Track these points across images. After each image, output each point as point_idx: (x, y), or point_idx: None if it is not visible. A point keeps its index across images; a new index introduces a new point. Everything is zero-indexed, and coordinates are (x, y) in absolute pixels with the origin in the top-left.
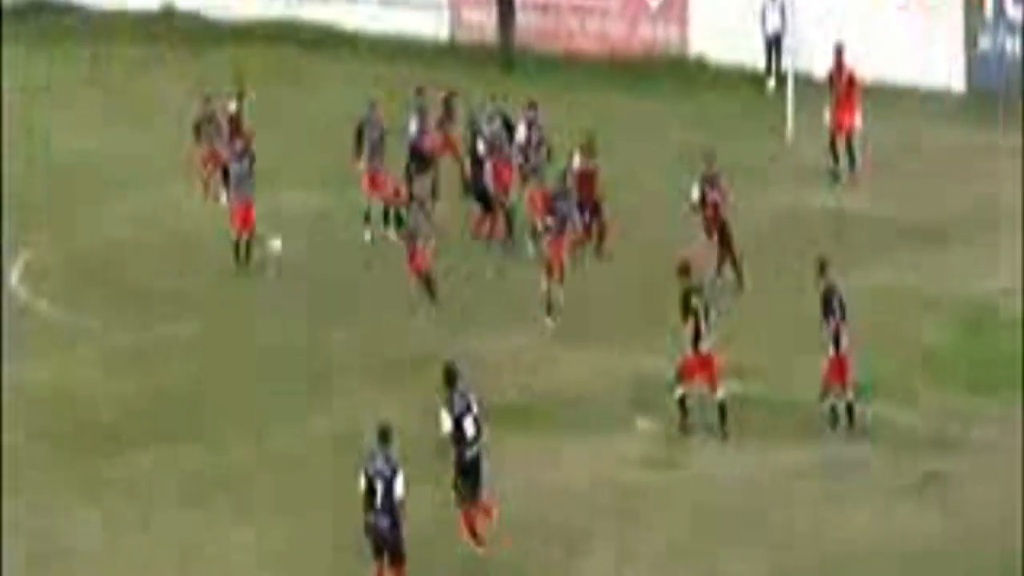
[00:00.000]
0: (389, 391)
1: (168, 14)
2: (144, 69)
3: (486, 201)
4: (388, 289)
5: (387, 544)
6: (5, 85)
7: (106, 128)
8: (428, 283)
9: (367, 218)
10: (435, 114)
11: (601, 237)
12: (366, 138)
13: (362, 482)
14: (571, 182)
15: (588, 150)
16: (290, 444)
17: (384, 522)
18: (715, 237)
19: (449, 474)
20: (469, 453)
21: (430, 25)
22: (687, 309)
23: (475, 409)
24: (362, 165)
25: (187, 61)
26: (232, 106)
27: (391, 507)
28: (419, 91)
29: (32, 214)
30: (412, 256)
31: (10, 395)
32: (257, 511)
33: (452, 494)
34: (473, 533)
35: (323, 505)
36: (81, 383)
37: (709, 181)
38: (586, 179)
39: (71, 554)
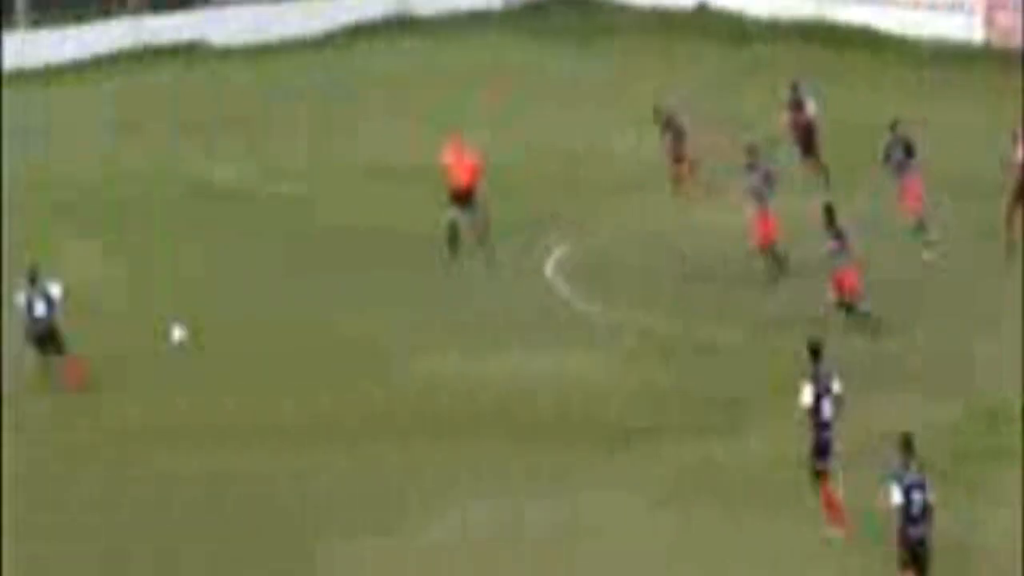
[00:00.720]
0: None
1: (701, 11)
2: (676, 66)
3: None
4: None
5: (925, 553)
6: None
7: (633, 124)
8: (849, 309)
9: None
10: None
11: None
12: (892, 157)
13: (897, 495)
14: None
15: None
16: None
17: (924, 531)
18: None
19: None
20: (825, 435)
21: (961, 28)
22: None
23: (834, 391)
24: (896, 184)
25: (719, 58)
26: (781, 116)
27: (928, 516)
28: None
29: (565, 208)
30: (839, 280)
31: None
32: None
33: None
34: (833, 513)
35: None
36: (610, 376)
37: None
38: None
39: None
